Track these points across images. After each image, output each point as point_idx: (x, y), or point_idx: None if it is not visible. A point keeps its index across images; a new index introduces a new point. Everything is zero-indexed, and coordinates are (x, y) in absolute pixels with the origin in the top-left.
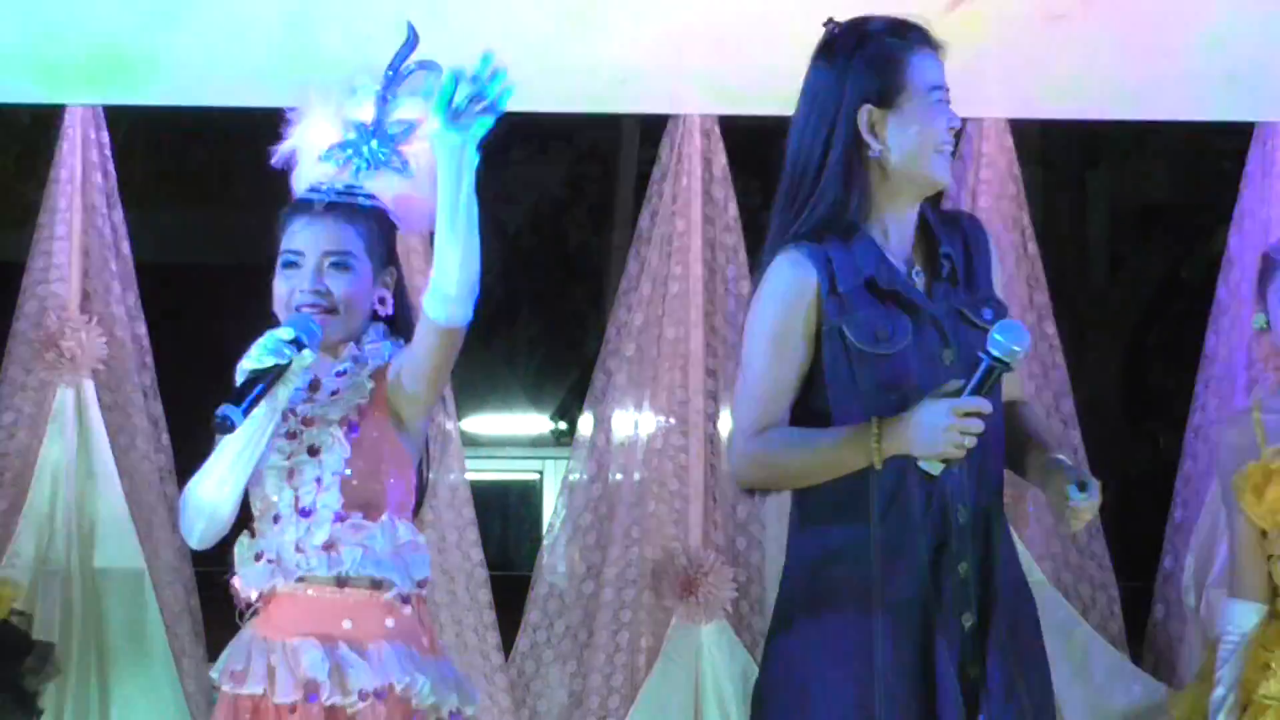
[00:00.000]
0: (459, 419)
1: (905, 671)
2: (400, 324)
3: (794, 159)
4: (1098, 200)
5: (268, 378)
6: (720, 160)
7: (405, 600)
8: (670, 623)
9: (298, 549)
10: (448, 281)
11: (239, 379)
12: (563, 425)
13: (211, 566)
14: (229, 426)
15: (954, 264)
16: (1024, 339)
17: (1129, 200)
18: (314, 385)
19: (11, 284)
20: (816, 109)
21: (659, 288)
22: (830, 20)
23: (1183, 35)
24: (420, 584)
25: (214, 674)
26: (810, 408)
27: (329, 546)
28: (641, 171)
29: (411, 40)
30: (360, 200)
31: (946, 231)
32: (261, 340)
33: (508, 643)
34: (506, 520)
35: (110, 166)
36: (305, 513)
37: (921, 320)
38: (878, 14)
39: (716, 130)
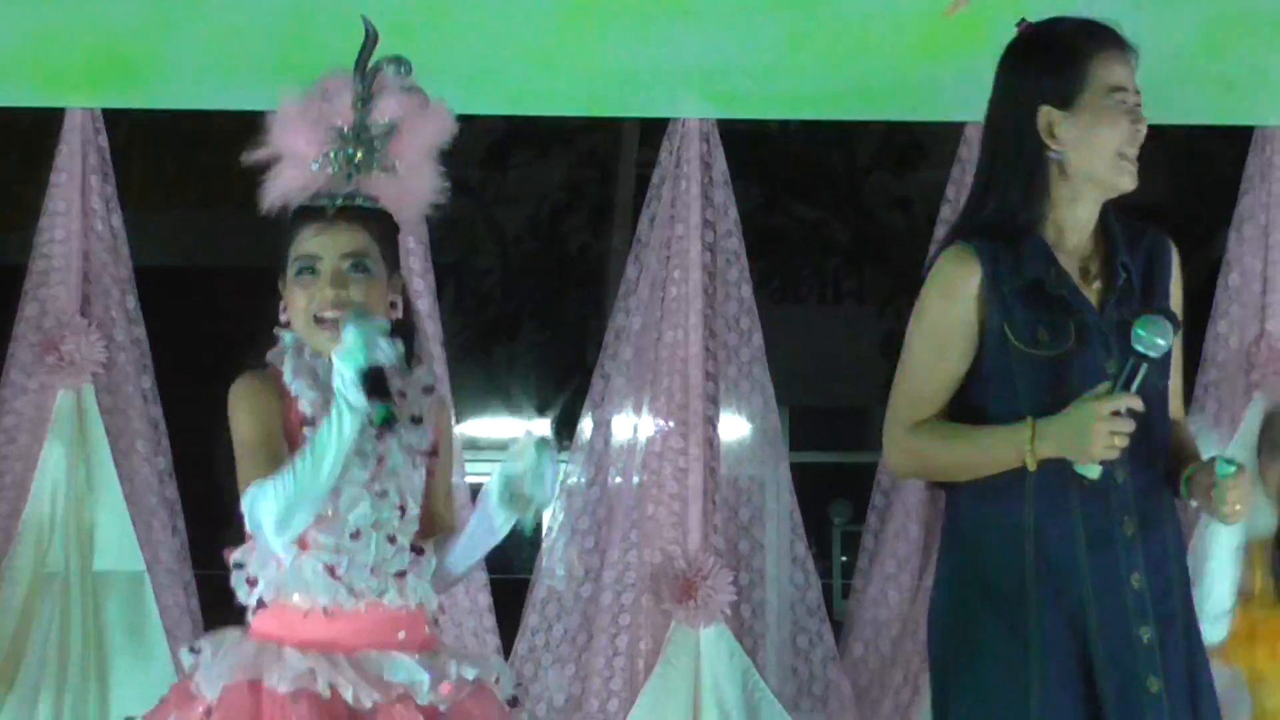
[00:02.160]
0: (459, 423)
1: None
2: (406, 332)
3: (980, 160)
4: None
5: (383, 371)
6: (720, 164)
7: (435, 620)
8: (669, 626)
9: (373, 573)
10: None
11: (357, 376)
12: (562, 428)
13: (211, 570)
14: (395, 422)
15: (1130, 274)
16: (1166, 332)
17: (1128, 204)
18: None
19: (12, 287)
20: (1001, 110)
21: (658, 291)
22: (1022, 20)
23: (1182, 39)
24: (440, 608)
25: (218, 681)
26: (969, 404)
27: (400, 575)
28: (641, 175)
29: (371, 36)
30: (368, 204)
31: (1128, 241)
32: (359, 333)
33: (507, 646)
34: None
35: (110, 169)
36: (391, 540)
37: (1087, 327)
38: (1069, 14)
39: (716, 134)
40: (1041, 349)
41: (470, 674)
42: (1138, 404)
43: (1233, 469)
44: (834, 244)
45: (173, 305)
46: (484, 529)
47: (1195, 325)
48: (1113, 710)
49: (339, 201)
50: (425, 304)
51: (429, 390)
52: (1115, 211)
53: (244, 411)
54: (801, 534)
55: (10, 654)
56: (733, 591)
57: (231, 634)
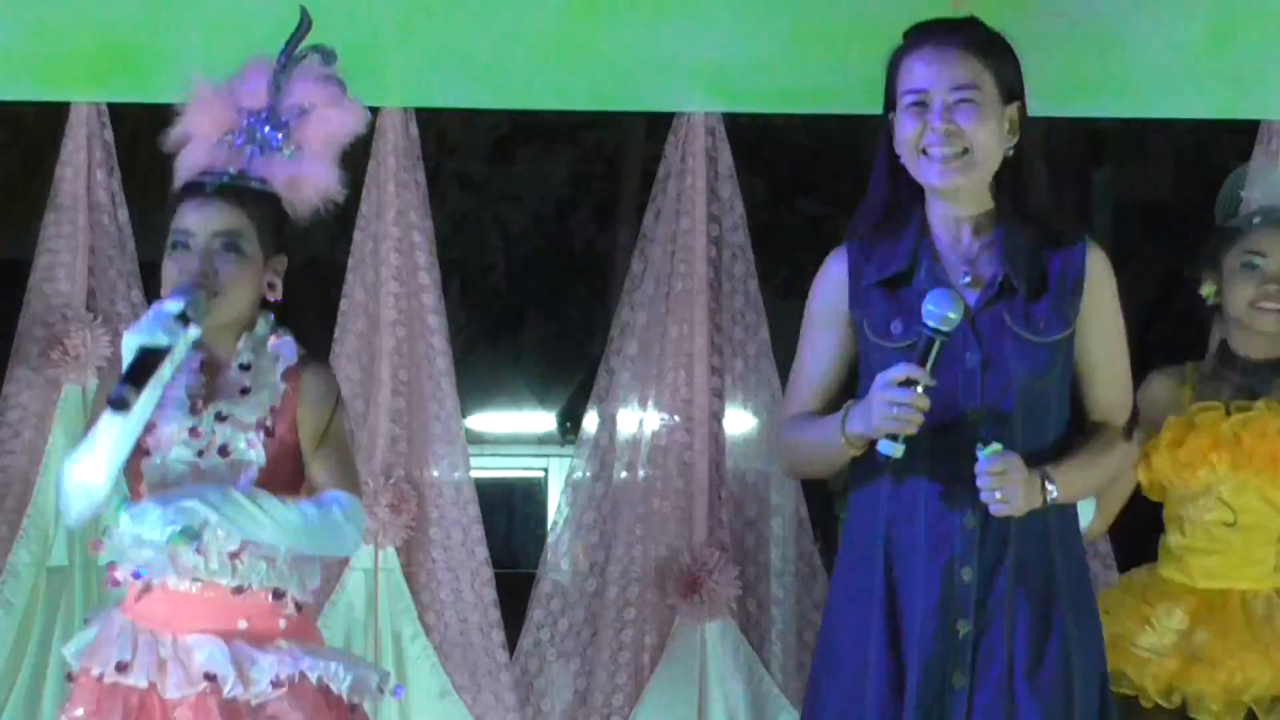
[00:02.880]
0: (464, 416)
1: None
2: (288, 312)
3: None
4: (1102, 198)
5: (160, 355)
6: (725, 158)
7: (299, 608)
8: (674, 621)
9: (198, 551)
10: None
11: (128, 355)
12: (567, 423)
13: None
14: (125, 405)
15: (1009, 276)
16: (955, 307)
17: (1133, 198)
18: (205, 367)
19: (17, 282)
20: (884, 112)
21: (663, 286)
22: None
23: (1187, 34)
24: (313, 592)
25: (75, 656)
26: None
27: (234, 555)
28: (646, 169)
29: (304, 24)
30: (252, 185)
31: (1019, 243)
32: (148, 315)
33: (512, 641)
34: (511, 518)
35: (115, 164)
36: None
37: None
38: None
39: (721, 128)
40: (893, 341)
41: (285, 675)
42: (917, 374)
43: (989, 450)
44: (839, 238)
45: None
46: None
47: (1199, 318)
48: (913, 702)
49: (220, 180)
50: (431, 299)
51: (278, 358)
52: (1015, 214)
53: (97, 400)
54: (808, 528)
55: (14, 648)
56: (738, 586)
57: (108, 610)
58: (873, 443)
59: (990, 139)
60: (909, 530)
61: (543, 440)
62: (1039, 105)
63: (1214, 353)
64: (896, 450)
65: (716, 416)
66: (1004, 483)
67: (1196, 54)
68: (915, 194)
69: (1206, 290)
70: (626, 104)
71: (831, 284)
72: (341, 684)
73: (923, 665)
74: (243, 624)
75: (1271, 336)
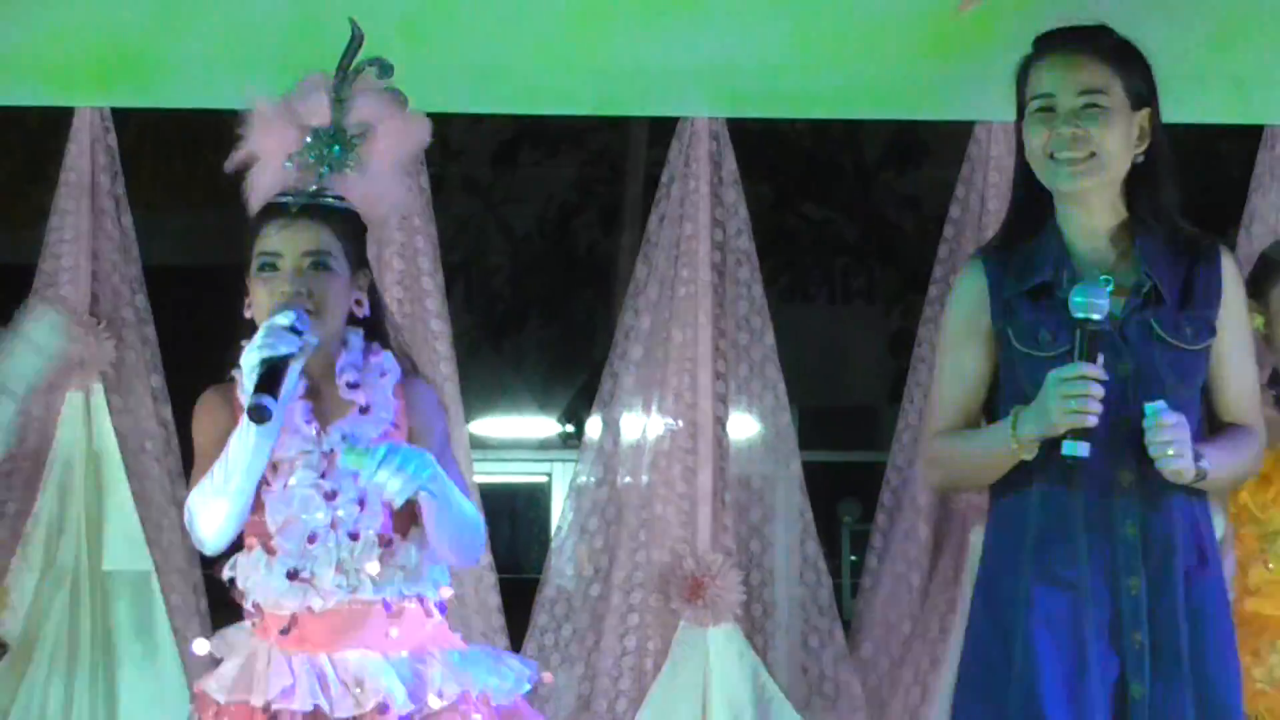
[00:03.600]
0: (467, 422)
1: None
2: (375, 327)
3: None
4: None
5: (284, 365)
6: (729, 163)
7: (441, 608)
8: (678, 626)
9: (340, 570)
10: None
11: (252, 371)
12: (571, 428)
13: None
14: (266, 414)
15: (1155, 282)
16: (1101, 295)
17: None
18: (311, 391)
19: (21, 287)
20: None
21: (666, 291)
22: None
23: (1190, 38)
24: (445, 594)
25: (221, 691)
26: (993, 414)
27: (370, 574)
28: (650, 174)
29: (356, 38)
30: (333, 202)
31: (1164, 250)
32: (263, 332)
33: (516, 645)
34: (515, 523)
35: (119, 169)
36: (353, 536)
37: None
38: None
39: (725, 133)
40: (1043, 349)
41: (452, 689)
42: (1091, 371)
43: (1154, 406)
44: (842, 243)
45: (182, 304)
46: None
47: None
48: (1098, 711)
49: (302, 200)
50: (434, 303)
51: (385, 374)
52: (1154, 220)
53: (198, 428)
54: (813, 533)
55: (19, 652)
56: (742, 591)
57: (240, 634)
58: (1045, 445)
59: (1117, 144)
60: (1063, 544)
61: (545, 445)
62: None
63: (1270, 384)
64: (1081, 449)
65: (720, 421)
66: (1176, 434)
67: (1201, 58)
68: (1047, 202)
69: (1256, 322)
70: (630, 109)
71: (970, 297)
72: (499, 694)
73: (1101, 679)
74: (394, 633)
75: None
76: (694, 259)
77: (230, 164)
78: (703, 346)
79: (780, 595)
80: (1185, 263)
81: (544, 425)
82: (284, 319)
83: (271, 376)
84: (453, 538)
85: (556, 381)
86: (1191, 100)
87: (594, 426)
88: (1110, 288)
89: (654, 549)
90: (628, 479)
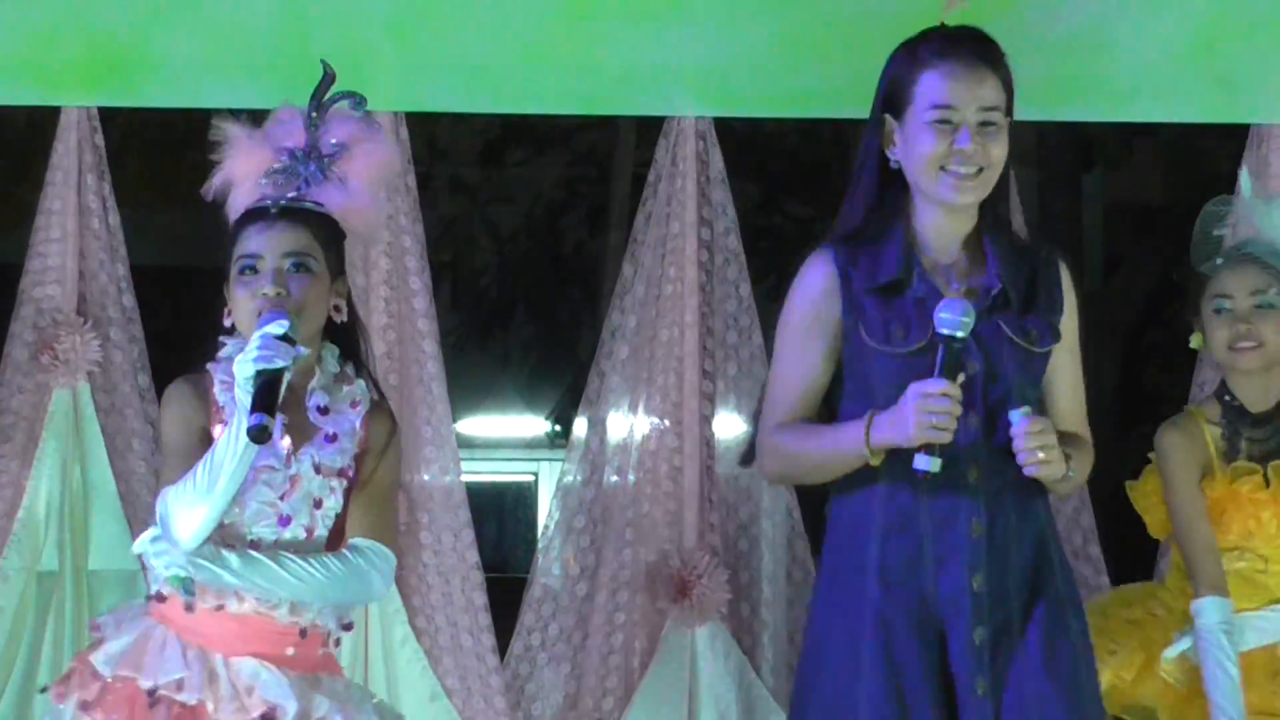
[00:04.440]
0: (454, 421)
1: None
2: (350, 342)
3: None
4: (1093, 202)
5: (279, 377)
6: (717, 162)
7: (337, 642)
8: (664, 625)
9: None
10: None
11: (245, 387)
12: (558, 427)
13: None
14: (267, 433)
15: (1004, 286)
16: (968, 312)
17: (1124, 202)
18: (288, 405)
19: (7, 286)
20: (872, 113)
21: (653, 289)
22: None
23: (1176, 38)
24: (345, 627)
25: (108, 663)
26: (834, 407)
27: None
28: (637, 173)
29: (328, 78)
30: (312, 206)
31: (1010, 257)
32: (255, 343)
33: (503, 645)
34: (502, 522)
35: (105, 168)
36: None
37: None
38: (946, 25)
39: (712, 133)
40: (894, 345)
41: (338, 716)
42: (942, 387)
43: (1023, 410)
44: None
45: (170, 304)
46: None
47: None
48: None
49: (283, 202)
50: (421, 302)
51: (356, 403)
52: (999, 229)
53: (168, 418)
54: (801, 531)
55: (4, 653)
56: (728, 590)
57: (135, 611)
58: (892, 453)
59: (1002, 159)
60: (907, 541)
61: (532, 444)
62: (1029, 110)
63: (1215, 397)
64: (935, 464)
65: (707, 420)
66: (1045, 440)
67: (1186, 57)
68: (902, 200)
69: (1195, 341)
70: (617, 108)
71: (817, 290)
72: None
73: (940, 682)
74: (290, 651)
75: (1261, 376)
76: (680, 258)
77: (208, 191)
78: (689, 345)
79: (768, 594)
80: (1026, 269)
81: (531, 424)
82: (277, 328)
83: (268, 391)
84: (317, 600)
85: (543, 381)
86: (1178, 99)
87: (581, 426)
88: (972, 314)
89: (640, 548)
90: (614, 478)
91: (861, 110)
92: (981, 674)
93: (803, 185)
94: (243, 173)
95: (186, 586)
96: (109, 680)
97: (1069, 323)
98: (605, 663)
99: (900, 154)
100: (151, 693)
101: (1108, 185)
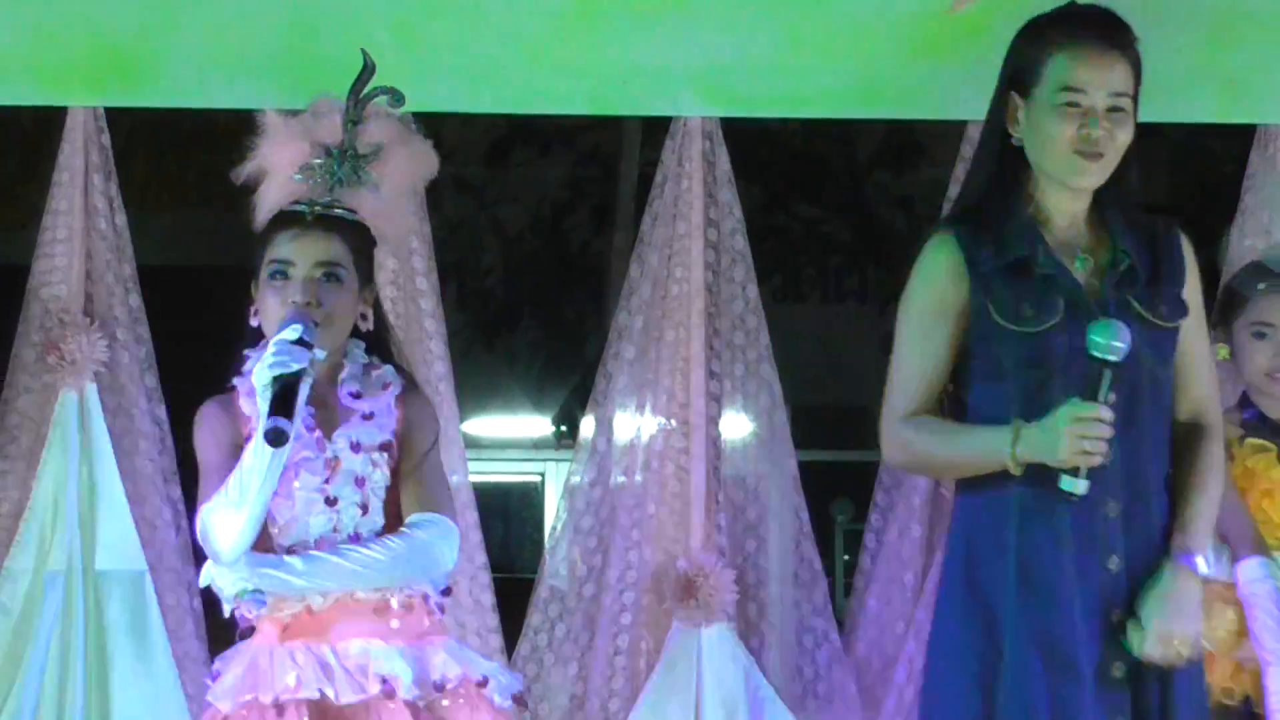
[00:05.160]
0: (461, 421)
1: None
2: (377, 341)
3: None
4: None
5: (296, 382)
6: (724, 163)
7: (440, 608)
8: (671, 626)
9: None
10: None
11: (265, 389)
12: (564, 428)
13: None
14: (284, 438)
15: (1133, 260)
16: (1123, 335)
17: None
18: (316, 400)
19: (14, 287)
20: (994, 93)
21: (660, 290)
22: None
23: (1183, 39)
24: (445, 592)
25: (223, 697)
26: (958, 391)
27: None
28: (643, 173)
29: (368, 68)
30: (345, 214)
31: (1132, 230)
32: (270, 349)
33: (510, 645)
34: (509, 522)
35: (112, 168)
36: (354, 538)
37: (1077, 304)
38: (1078, 4)
39: (719, 132)
40: (1025, 324)
41: (453, 672)
42: (1095, 411)
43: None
44: (835, 243)
45: (176, 304)
46: None
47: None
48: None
49: (317, 209)
50: (429, 302)
51: (387, 385)
52: (1120, 203)
53: (200, 440)
54: (809, 532)
55: (11, 653)
56: (735, 591)
57: (239, 650)
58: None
59: (1129, 141)
60: (1047, 525)
61: (539, 444)
62: None
63: (1237, 408)
64: (1082, 487)
65: (714, 420)
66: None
67: (1194, 58)
68: (1022, 176)
69: (1222, 353)
70: (623, 108)
71: (941, 273)
72: (498, 688)
73: (1085, 657)
74: (395, 624)
75: None
76: (687, 258)
77: (239, 175)
78: (695, 346)
79: (775, 595)
80: (1148, 241)
81: (538, 425)
82: (292, 333)
83: (284, 395)
84: (400, 580)
85: (550, 381)
86: (1185, 100)
87: (587, 426)
88: (1128, 337)
89: (647, 549)
90: (621, 479)
91: (868, 110)
92: (1120, 659)
93: (809, 186)
94: (278, 163)
95: (256, 598)
96: (231, 711)
97: (1193, 296)
98: (612, 663)
99: (1024, 132)
100: (275, 703)
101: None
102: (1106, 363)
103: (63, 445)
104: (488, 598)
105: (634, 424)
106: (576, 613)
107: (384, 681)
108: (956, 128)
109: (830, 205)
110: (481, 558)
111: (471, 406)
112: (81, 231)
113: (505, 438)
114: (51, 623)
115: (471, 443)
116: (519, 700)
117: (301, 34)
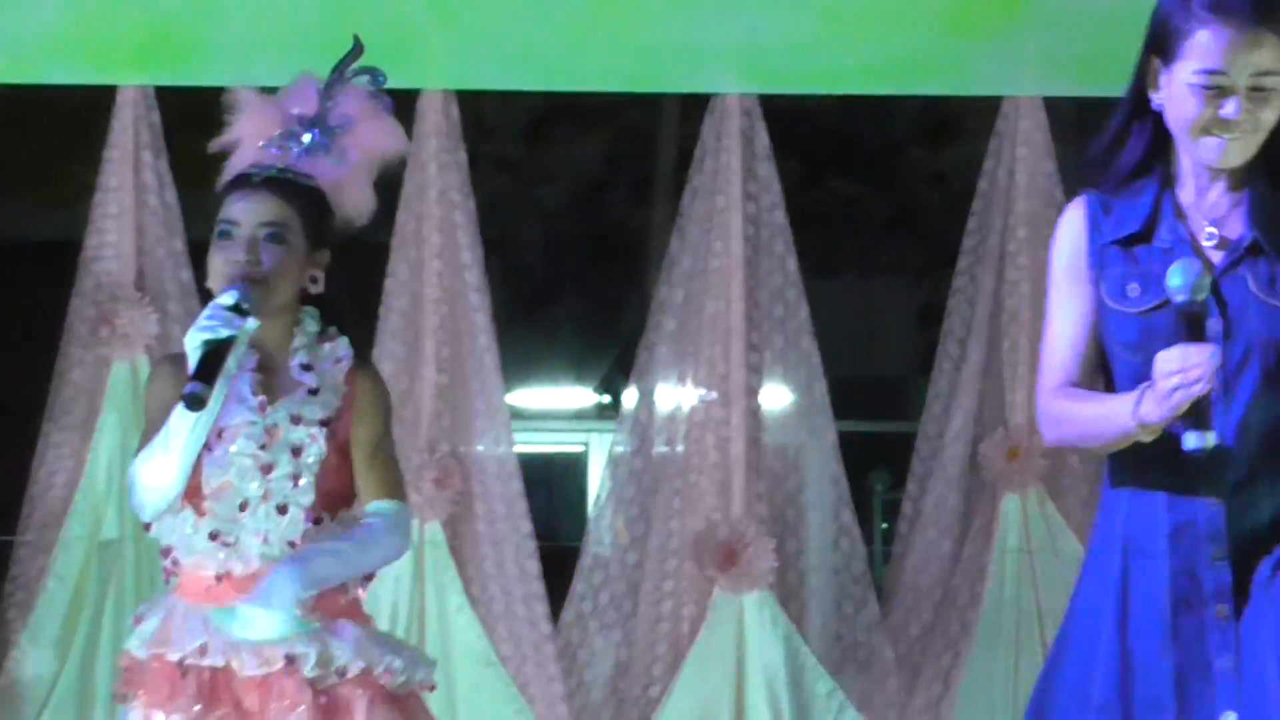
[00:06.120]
0: (505, 393)
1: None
2: (329, 307)
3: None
4: None
5: (224, 348)
6: (762, 139)
7: (360, 588)
8: (712, 593)
9: (265, 540)
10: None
11: (193, 354)
12: (607, 399)
13: None
14: (200, 402)
15: (1255, 235)
16: (1192, 270)
17: None
18: (261, 365)
19: (68, 262)
20: (1141, 48)
21: (699, 264)
22: None
23: None
24: (368, 579)
25: (142, 646)
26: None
27: (292, 544)
28: (682, 149)
29: (356, 50)
30: (296, 178)
31: (1266, 202)
32: (205, 313)
33: (555, 612)
34: (552, 492)
35: (162, 145)
36: (281, 509)
37: None
38: None
39: (758, 109)
40: (1127, 303)
41: (359, 664)
42: (1186, 351)
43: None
44: (872, 218)
45: None
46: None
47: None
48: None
49: (270, 173)
50: (473, 276)
51: (339, 360)
52: (1266, 176)
53: (147, 395)
54: (848, 501)
55: (67, 619)
56: (775, 558)
57: (160, 595)
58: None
59: (1274, 119)
60: (1149, 513)
61: (582, 415)
62: (1071, 86)
63: None
64: (1209, 439)
65: (753, 392)
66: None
67: None
68: (1162, 146)
69: None
70: (662, 85)
71: (1069, 241)
72: (395, 679)
73: (1185, 650)
74: (307, 601)
75: None
76: (726, 232)
77: (214, 146)
78: (735, 318)
79: (814, 563)
80: None
81: (580, 396)
82: (228, 298)
83: (210, 360)
84: (366, 569)
85: (592, 353)
86: None
87: (630, 397)
88: (1204, 276)
89: (689, 517)
90: (663, 449)
91: (903, 86)
92: (1225, 651)
93: (845, 162)
94: (249, 134)
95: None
96: (145, 660)
97: None
98: (655, 630)
99: (1164, 99)
100: (179, 664)
101: None
102: (1192, 304)
103: (116, 416)
104: (533, 566)
105: (675, 395)
106: (620, 580)
107: (288, 660)
108: (992, 103)
109: (867, 180)
110: (526, 527)
111: (515, 378)
112: (132, 207)
113: (549, 409)
114: (104, 589)
115: (515, 414)
116: (427, 687)
117: (347, 13)
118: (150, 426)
